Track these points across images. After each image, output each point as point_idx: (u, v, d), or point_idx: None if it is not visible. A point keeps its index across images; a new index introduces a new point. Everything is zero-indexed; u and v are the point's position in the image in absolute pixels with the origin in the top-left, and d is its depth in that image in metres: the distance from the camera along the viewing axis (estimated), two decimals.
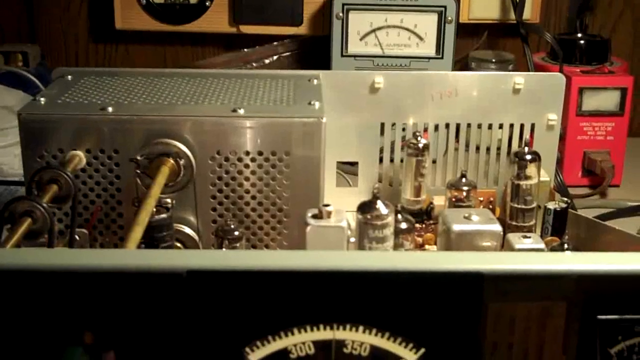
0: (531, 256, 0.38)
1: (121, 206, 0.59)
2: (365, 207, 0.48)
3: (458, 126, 0.72)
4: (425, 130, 0.72)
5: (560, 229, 0.65)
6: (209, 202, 0.59)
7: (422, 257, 0.37)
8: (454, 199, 0.66)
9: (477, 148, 0.73)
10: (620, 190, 0.95)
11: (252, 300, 0.36)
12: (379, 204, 0.47)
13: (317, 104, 0.60)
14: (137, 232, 0.47)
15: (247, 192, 0.59)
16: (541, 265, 0.37)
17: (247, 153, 0.58)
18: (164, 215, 0.54)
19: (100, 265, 0.36)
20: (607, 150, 0.94)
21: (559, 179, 0.82)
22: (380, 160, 0.74)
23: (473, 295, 0.37)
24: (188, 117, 0.58)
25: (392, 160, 0.73)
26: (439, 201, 0.69)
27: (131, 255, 0.36)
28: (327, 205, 0.48)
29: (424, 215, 0.69)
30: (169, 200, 0.57)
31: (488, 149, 0.73)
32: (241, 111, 0.58)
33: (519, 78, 0.71)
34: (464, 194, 0.65)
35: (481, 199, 0.69)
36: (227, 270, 0.36)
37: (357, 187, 0.74)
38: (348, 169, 0.84)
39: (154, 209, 0.54)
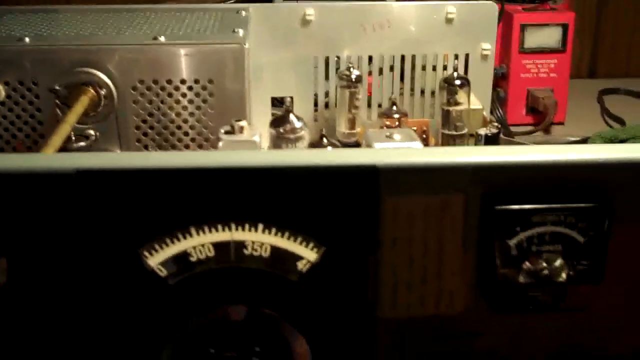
0: (427, 150, 0.38)
1: (44, 140, 0.59)
2: (278, 122, 0.48)
3: (393, 59, 0.72)
4: (360, 64, 0.71)
5: None
6: (134, 133, 0.59)
7: (317, 153, 0.37)
8: (385, 128, 0.65)
9: (413, 80, 0.73)
10: (564, 127, 0.96)
11: (145, 201, 0.36)
12: (292, 118, 0.47)
13: (240, 32, 0.60)
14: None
15: (172, 122, 0.59)
16: (437, 158, 0.37)
17: (170, 82, 0.58)
18: (82, 143, 0.54)
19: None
20: (550, 87, 0.94)
21: (498, 114, 0.82)
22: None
23: (369, 190, 0.37)
24: (108, 46, 0.57)
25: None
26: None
27: (18, 158, 0.36)
28: (239, 120, 0.47)
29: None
30: (92, 132, 0.56)
31: (423, 88, 0.73)
32: (162, 39, 0.58)
33: (451, 7, 0.70)
34: (396, 122, 0.65)
35: (414, 128, 0.69)
36: (117, 169, 0.36)
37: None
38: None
39: (73, 138, 0.53)
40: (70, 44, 0.57)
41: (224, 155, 0.37)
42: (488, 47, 0.72)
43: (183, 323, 0.38)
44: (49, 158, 0.35)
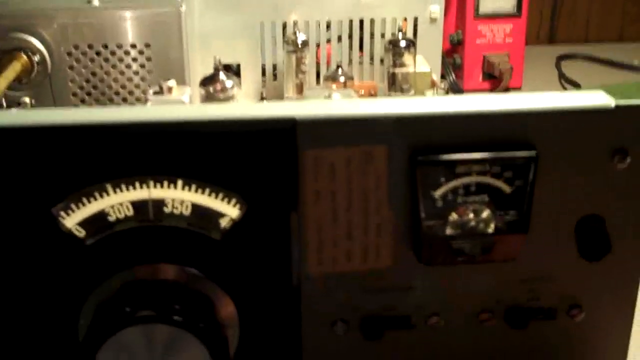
0: (347, 101, 0.37)
1: None
2: (208, 80, 0.47)
3: (341, 23, 0.71)
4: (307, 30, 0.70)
5: None
6: (70, 100, 0.58)
7: (236, 106, 0.36)
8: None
9: (361, 44, 0.72)
10: (520, 93, 0.95)
11: (58, 159, 0.35)
12: (222, 76, 0.46)
13: None
14: None
15: (110, 87, 0.58)
16: (357, 109, 0.36)
17: (106, 46, 0.57)
18: (13, 110, 0.52)
19: None
20: (506, 52, 0.93)
21: (451, 79, 0.82)
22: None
23: (288, 143, 0.36)
24: (40, 10, 0.56)
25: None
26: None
27: None
28: (167, 80, 0.46)
29: None
30: (26, 99, 0.55)
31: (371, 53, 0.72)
32: (96, 3, 0.56)
33: None
34: (342, 86, 0.64)
35: (362, 92, 0.68)
36: (28, 126, 0.34)
37: (241, 89, 0.72)
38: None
39: (4, 104, 0.52)
40: (4, 8, 0.56)
41: (140, 111, 0.36)
42: (436, 9, 0.71)
43: (102, 284, 0.37)
44: None
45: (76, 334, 0.37)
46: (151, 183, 0.36)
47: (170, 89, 0.45)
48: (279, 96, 0.70)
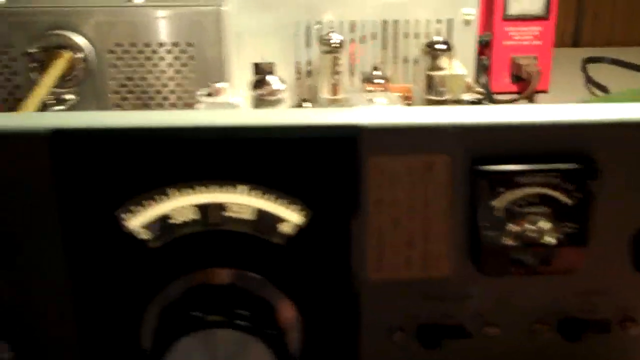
0: (411, 110, 0.37)
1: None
2: (259, 83, 0.47)
3: (377, 23, 0.71)
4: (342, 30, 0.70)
5: None
6: (112, 98, 0.58)
7: (301, 113, 0.36)
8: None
9: (395, 46, 0.72)
10: (547, 96, 0.95)
11: (125, 161, 0.35)
12: (273, 79, 0.46)
13: None
14: None
15: (151, 86, 0.58)
16: (421, 118, 0.36)
17: (148, 45, 0.57)
18: (60, 107, 0.52)
19: None
20: (534, 55, 0.93)
21: (482, 81, 0.81)
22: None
23: (351, 150, 0.36)
24: (84, 8, 0.56)
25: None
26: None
27: None
28: (218, 82, 0.46)
29: None
30: (69, 96, 0.55)
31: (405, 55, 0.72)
32: (137, 0, 0.56)
33: None
34: (378, 88, 0.64)
35: (398, 94, 0.68)
36: (95, 129, 0.34)
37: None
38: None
39: (50, 102, 0.52)
40: (46, 6, 0.56)
41: (207, 115, 0.36)
42: (471, 11, 0.71)
43: (166, 288, 0.37)
44: (26, 117, 0.34)
45: (138, 337, 0.37)
46: (216, 187, 0.36)
47: (221, 91, 0.45)
48: (313, 96, 0.70)
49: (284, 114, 0.36)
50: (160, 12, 0.56)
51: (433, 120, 0.36)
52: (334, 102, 0.68)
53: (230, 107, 0.45)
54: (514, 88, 0.95)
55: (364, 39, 0.71)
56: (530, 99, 0.92)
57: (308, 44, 0.71)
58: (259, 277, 0.37)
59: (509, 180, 0.37)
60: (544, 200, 0.37)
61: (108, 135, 0.35)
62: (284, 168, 0.36)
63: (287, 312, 0.38)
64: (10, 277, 0.37)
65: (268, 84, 0.46)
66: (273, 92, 0.46)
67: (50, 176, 0.35)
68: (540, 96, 0.94)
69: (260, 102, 0.46)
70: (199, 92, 0.46)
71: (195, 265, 0.37)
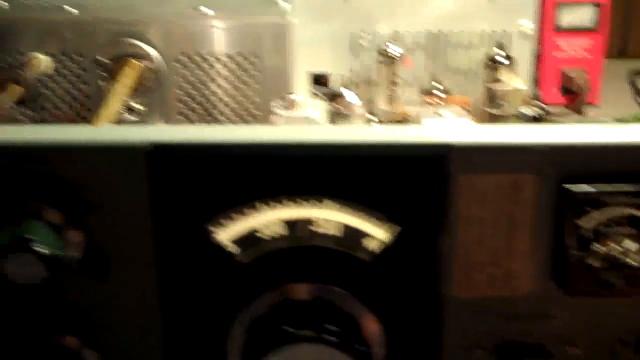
0: (501, 129, 0.37)
1: (92, 113, 0.58)
2: (336, 97, 0.47)
3: (431, 34, 0.71)
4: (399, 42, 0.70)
5: None
6: (178, 107, 0.58)
7: (392, 130, 0.36)
8: (428, 106, 0.65)
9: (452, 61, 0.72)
10: (597, 109, 0.95)
11: (217, 176, 0.35)
12: (349, 94, 0.46)
13: (284, 4, 0.59)
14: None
15: (217, 96, 0.58)
16: (511, 137, 0.36)
17: (215, 55, 0.57)
18: (132, 117, 0.53)
19: (63, 141, 0.34)
20: (583, 67, 0.93)
21: (534, 91, 0.81)
22: None
23: (442, 168, 0.36)
24: (153, 17, 0.56)
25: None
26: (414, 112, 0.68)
27: (96, 131, 0.35)
28: (291, 94, 0.46)
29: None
30: (137, 105, 0.56)
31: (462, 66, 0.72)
32: (205, 10, 0.57)
33: None
34: (438, 100, 0.64)
35: (452, 105, 0.68)
36: (190, 143, 0.35)
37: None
38: (325, 90, 0.83)
39: (121, 111, 0.52)
40: (115, 15, 0.56)
41: (298, 132, 0.36)
42: (528, 24, 0.71)
43: (253, 301, 0.37)
44: (126, 131, 0.35)
45: (224, 350, 0.37)
46: (304, 203, 0.36)
47: (294, 103, 0.46)
48: (369, 108, 0.70)
49: (374, 132, 0.37)
50: (229, 22, 0.56)
51: (523, 139, 0.36)
52: (390, 113, 0.68)
53: (309, 121, 0.46)
54: (562, 100, 0.95)
55: (412, 51, 0.72)
56: (579, 111, 0.92)
57: (361, 54, 0.71)
58: (345, 292, 0.37)
59: (597, 201, 0.37)
60: (630, 221, 0.37)
61: (204, 150, 0.35)
62: (372, 185, 0.36)
63: (372, 327, 0.38)
64: (102, 288, 0.37)
65: (344, 97, 0.46)
66: (348, 106, 0.46)
67: (147, 189, 0.35)
68: (589, 109, 0.94)
69: (335, 115, 0.46)
70: (273, 104, 0.47)
71: (282, 279, 0.37)
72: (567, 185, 0.37)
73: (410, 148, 0.36)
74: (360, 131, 0.37)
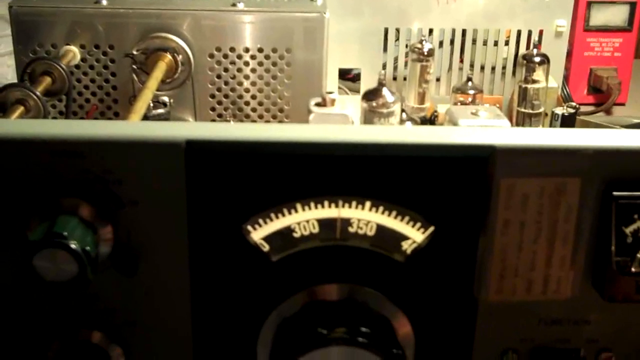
0: (545, 131, 0.36)
1: (118, 105, 0.58)
2: (371, 95, 0.46)
3: (464, 33, 0.70)
4: (431, 39, 0.70)
5: None
6: (208, 101, 0.58)
7: (432, 130, 0.36)
8: (459, 104, 0.64)
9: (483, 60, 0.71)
10: (625, 108, 0.93)
11: (253, 174, 0.35)
12: (385, 91, 0.46)
13: (319, 0, 0.58)
14: (133, 120, 0.45)
15: (247, 91, 0.58)
16: (555, 140, 0.36)
17: (247, 50, 0.56)
18: (161, 110, 0.53)
19: (98, 136, 0.34)
20: (614, 67, 0.91)
21: (565, 91, 0.80)
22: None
23: (484, 170, 0.35)
24: (186, 11, 0.56)
25: (395, 72, 0.71)
26: (444, 110, 0.67)
27: (130, 126, 0.35)
28: (330, 93, 0.46)
29: (428, 123, 0.67)
30: (166, 99, 0.55)
31: (493, 65, 0.71)
32: (240, 5, 0.56)
33: None
34: (470, 98, 0.64)
35: (487, 105, 0.67)
36: (227, 140, 0.34)
37: (359, 95, 0.72)
38: (350, 85, 0.82)
39: (151, 104, 0.52)
40: (147, 8, 0.56)
41: (335, 130, 0.36)
42: (563, 23, 0.70)
43: (285, 301, 0.37)
44: (160, 127, 0.34)
45: (254, 350, 0.37)
46: (340, 202, 0.36)
47: (333, 102, 0.45)
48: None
49: (415, 132, 0.36)
50: (263, 17, 0.56)
51: (567, 142, 0.35)
52: (420, 111, 0.67)
53: (342, 118, 0.45)
54: (590, 99, 0.93)
55: (444, 48, 0.71)
56: (608, 111, 0.91)
57: (396, 51, 0.71)
58: (378, 293, 0.37)
59: None
60: None
61: (240, 147, 0.34)
62: (411, 186, 0.35)
63: (404, 329, 0.37)
64: (131, 284, 0.37)
65: (382, 95, 0.45)
66: (385, 104, 0.45)
67: (182, 185, 0.34)
68: (617, 109, 0.92)
69: (371, 113, 0.46)
70: (311, 102, 0.46)
71: (314, 279, 0.37)
72: (614, 191, 0.36)
73: (452, 149, 0.35)
74: (400, 131, 0.36)
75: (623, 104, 0.93)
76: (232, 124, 0.41)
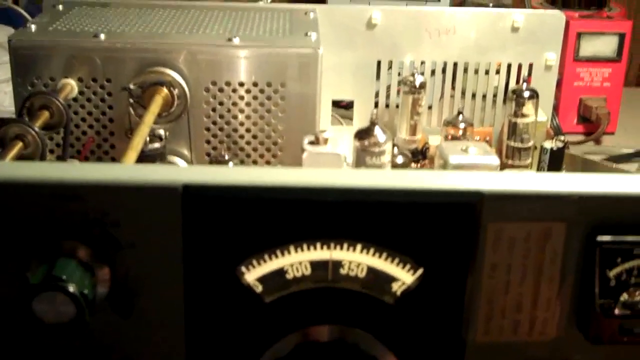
0: (531, 176, 0.37)
1: (114, 137, 0.59)
2: (363, 134, 0.47)
3: (455, 65, 0.71)
4: (422, 69, 0.71)
5: (556, 169, 0.64)
6: (203, 134, 0.59)
7: (422, 175, 0.37)
8: (450, 137, 0.65)
9: (474, 91, 0.72)
10: (614, 137, 0.95)
11: (247, 217, 0.36)
12: (377, 130, 0.47)
13: (313, 35, 0.59)
14: (131, 157, 0.46)
15: (242, 124, 0.59)
16: (543, 186, 0.37)
17: (242, 84, 0.57)
18: (157, 145, 0.54)
19: (97, 180, 0.35)
20: (603, 97, 0.93)
21: (554, 122, 0.81)
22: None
23: (472, 215, 0.36)
24: (182, 45, 0.57)
25: (388, 100, 0.73)
26: (435, 141, 0.69)
27: (128, 170, 0.35)
28: (323, 131, 0.47)
29: (419, 155, 0.68)
30: (162, 132, 0.56)
31: (484, 95, 0.72)
32: (236, 40, 0.57)
33: (518, 15, 0.70)
34: (460, 131, 0.65)
35: (477, 138, 0.68)
36: (223, 185, 0.35)
37: (352, 126, 0.73)
38: (343, 112, 0.84)
39: (147, 139, 0.53)
40: (145, 42, 0.57)
41: (327, 175, 0.37)
42: (553, 57, 0.71)
43: (277, 342, 0.37)
44: (157, 171, 0.35)
45: None
46: (332, 245, 0.37)
47: (326, 141, 0.46)
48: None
49: (404, 177, 0.37)
50: (258, 52, 0.57)
51: (553, 188, 0.37)
52: (411, 143, 0.68)
53: (335, 157, 0.46)
54: (580, 129, 0.95)
55: (434, 80, 0.72)
56: (597, 140, 0.92)
57: (386, 79, 0.72)
58: (368, 334, 0.38)
59: (628, 251, 0.37)
60: None
61: (235, 192, 0.35)
62: (400, 229, 0.36)
63: None
64: (127, 323, 0.37)
65: (373, 135, 0.47)
66: (377, 144, 0.46)
67: (179, 228, 0.35)
68: (606, 138, 0.94)
69: (363, 152, 0.47)
70: (305, 140, 0.47)
71: (305, 320, 0.38)
72: (598, 235, 0.37)
73: (441, 195, 0.36)
74: (390, 176, 0.37)
75: (612, 133, 0.95)
76: (227, 168, 0.42)
